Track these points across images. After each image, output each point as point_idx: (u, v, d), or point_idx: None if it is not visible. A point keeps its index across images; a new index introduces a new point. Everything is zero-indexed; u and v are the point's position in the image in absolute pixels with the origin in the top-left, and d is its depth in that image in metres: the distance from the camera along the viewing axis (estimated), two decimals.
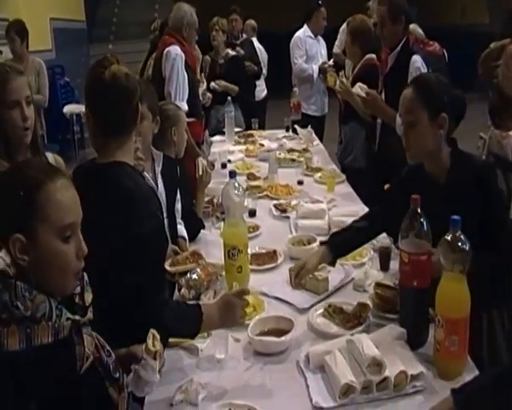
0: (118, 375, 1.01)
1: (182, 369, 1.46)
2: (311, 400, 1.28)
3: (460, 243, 1.20)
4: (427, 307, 1.34)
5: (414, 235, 1.32)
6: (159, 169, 2.09)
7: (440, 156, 1.58)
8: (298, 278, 1.66)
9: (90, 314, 1.02)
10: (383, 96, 2.75)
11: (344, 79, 3.03)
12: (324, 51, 4.71)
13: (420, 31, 3.89)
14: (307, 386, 1.33)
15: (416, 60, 2.65)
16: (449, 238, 1.22)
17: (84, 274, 1.05)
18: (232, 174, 1.81)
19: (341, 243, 1.72)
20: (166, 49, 3.14)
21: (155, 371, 1.16)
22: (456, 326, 1.24)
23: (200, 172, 2.39)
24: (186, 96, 3.09)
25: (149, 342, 1.17)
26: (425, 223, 1.31)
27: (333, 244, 1.70)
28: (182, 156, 2.39)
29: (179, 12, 3.31)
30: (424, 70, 2.65)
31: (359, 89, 2.69)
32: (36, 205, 0.93)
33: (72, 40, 8.08)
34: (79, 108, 6.82)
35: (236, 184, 1.80)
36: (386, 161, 1.62)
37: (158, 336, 1.20)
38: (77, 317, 0.97)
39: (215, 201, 2.60)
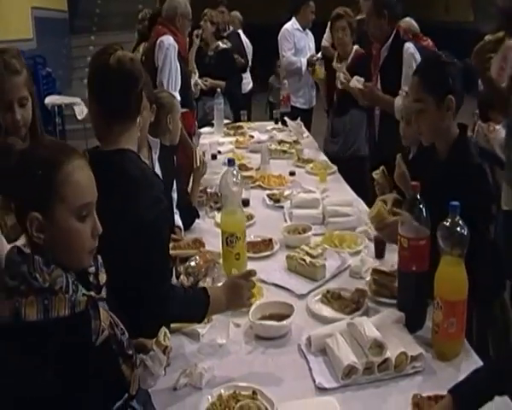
0: (131, 352, 1.03)
1: (184, 354, 1.47)
2: (313, 381, 1.32)
3: (459, 228, 1.25)
4: (426, 291, 1.38)
5: (413, 221, 1.36)
6: (156, 157, 2.09)
7: (448, 134, 1.63)
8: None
9: (103, 293, 1.03)
10: (379, 87, 2.79)
11: (344, 70, 3.08)
12: (313, 44, 4.72)
13: (415, 25, 3.96)
14: (310, 368, 1.36)
15: (409, 47, 2.72)
16: (448, 223, 1.26)
17: (99, 256, 1.06)
18: (231, 162, 1.83)
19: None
20: (159, 39, 3.13)
21: (162, 365, 1.18)
22: (455, 308, 1.28)
23: (198, 163, 2.40)
24: (178, 87, 3.09)
25: (161, 336, 1.20)
26: (424, 209, 1.35)
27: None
28: (176, 143, 2.39)
29: (173, 2, 3.30)
30: (417, 54, 2.70)
31: (356, 82, 2.75)
32: (54, 185, 0.94)
33: (53, 30, 7.94)
34: (61, 100, 6.72)
35: (235, 172, 1.82)
36: (386, 148, 1.67)
37: (169, 335, 1.22)
38: (92, 293, 0.99)
39: (209, 190, 2.61)
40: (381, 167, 2.02)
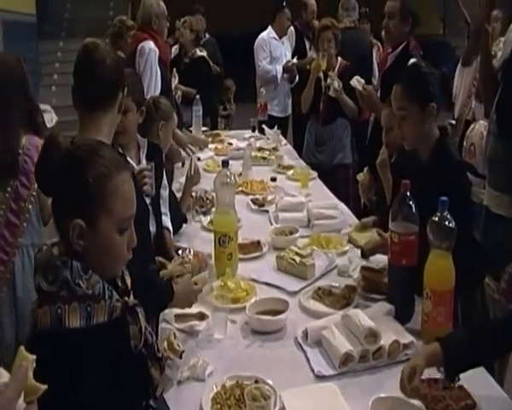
0: (160, 355, 1.05)
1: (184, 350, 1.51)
2: (312, 370, 1.38)
3: (447, 222, 1.35)
4: (415, 284, 1.47)
5: (403, 217, 1.46)
6: (143, 155, 2.08)
7: (429, 138, 1.73)
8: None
9: (131, 297, 1.04)
10: (379, 93, 2.86)
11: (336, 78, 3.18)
12: (289, 53, 4.78)
13: None
14: (307, 359, 1.43)
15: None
16: (436, 218, 1.36)
17: None
18: (225, 163, 1.88)
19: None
20: (140, 45, 3.17)
21: (179, 370, 1.24)
22: (443, 298, 1.38)
23: (192, 172, 2.43)
24: (158, 91, 3.11)
25: (175, 342, 1.23)
26: (413, 206, 1.45)
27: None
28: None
29: (146, 6, 3.32)
30: None
31: (357, 82, 2.74)
32: (103, 195, 0.94)
33: (21, 34, 7.77)
34: None
35: (228, 173, 1.87)
36: (376, 154, 1.77)
37: (178, 336, 1.25)
38: (126, 298, 1.00)
39: (194, 194, 2.65)
40: (365, 168, 2.12)
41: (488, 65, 2.14)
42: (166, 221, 2.21)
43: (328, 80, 3.26)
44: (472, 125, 2.97)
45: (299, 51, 4.78)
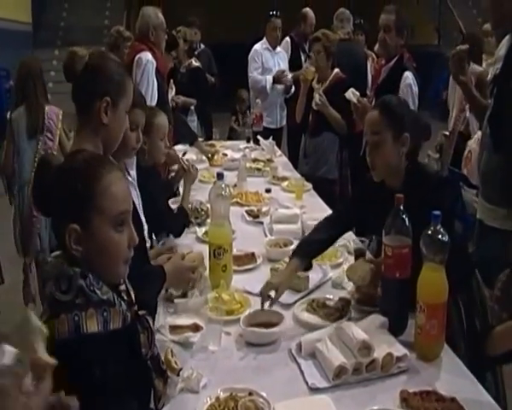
0: (164, 367, 1.06)
1: None
2: (306, 383, 1.39)
3: (440, 236, 1.36)
4: (408, 296, 1.48)
5: (396, 230, 1.47)
6: (131, 178, 2.01)
7: (399, 170, 1.71)
8: (275, 299, 1.68)
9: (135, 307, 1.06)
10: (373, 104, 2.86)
11: (321, 92, 3.18)
12: (283, 63, 4.75)
13: None
14: (301, 371, 1.43)
15: (408, 76, 2.78)
16: (430, 232, 1.37)
17: None
18: (219, 176, 1.89)
19: (309, 250, 1.81)
20: (138, 56, 3.18)
21: (176, 386, 1.25)
22: (436, 311, 1.39)
23: (185, 166, 2.43)
24: (154, 102, 3.13)
25: (172, 360, 1.24)
26: (406, 220, 1.47)
27: (301, 253, 1.78)
28: (154, 164, 2.37)
29: (144, 17, 3.35)
30: (415, 87, 2.78)
31: (352, 94, 2.72)
32: (93, 196, 0.97)
33: (16, 43, 7.80)
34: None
35: (223, 186, 1.88)
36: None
37: (175, 353, 1.26)
38: (135, 308, 1.03)
39: (189, 205, 2.66)
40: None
41: (477, 107, 2.19)
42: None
43: (313, 93, 3.27)
44: (472, 135, 3.02)
45: (294, 62, 4.79)
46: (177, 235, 2.26)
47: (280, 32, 4.71)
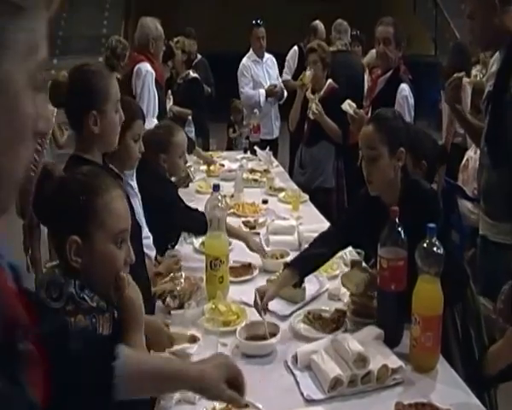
0: None
1: None
2: (301, 394, 1.39)
3: (435, 248, 1.38)
4: (404, 308, 1.49)
5: (392, 243, 1.48)
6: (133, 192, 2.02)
7: (395, 183, 1.70)
8: (262, 304, 1.67)
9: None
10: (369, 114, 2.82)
11: (317, 101, 3.21)
12: (273, 71, 4.68)
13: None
14: (297, 382, 1.44)
15: (404, 88, 2.79)
16: (425, 244, 1.39)
17: None
18: (216, 188, 1.91)
19: (305, 264, 1.80)
20: (137, 67, 3.21)
21: (172, 399, 1.28)
22: (431, 323, 1.40)
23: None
24: (156, 113, 3.15)
25: None
26: (402, 232, 1.48)
27: (297, 265, 1.78)
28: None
29: (143, 28, 3.38)
30: (411, 99, 2.80)
31: (348, 106, 2.69)
32: (95, 210, 1.00)
33: None
34: None
35: (220, 197, 1.90)
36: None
37: None
38: None
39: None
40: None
41: (472, 131, 2.22)
42: (146, 246, 2.03)
43: (309, 103, 3.28)
44: (469, 146, 3.05)
45: (298, 73, 4.80)
46: (203, 233, 2.08)
47: (264, 40, 4.63)
